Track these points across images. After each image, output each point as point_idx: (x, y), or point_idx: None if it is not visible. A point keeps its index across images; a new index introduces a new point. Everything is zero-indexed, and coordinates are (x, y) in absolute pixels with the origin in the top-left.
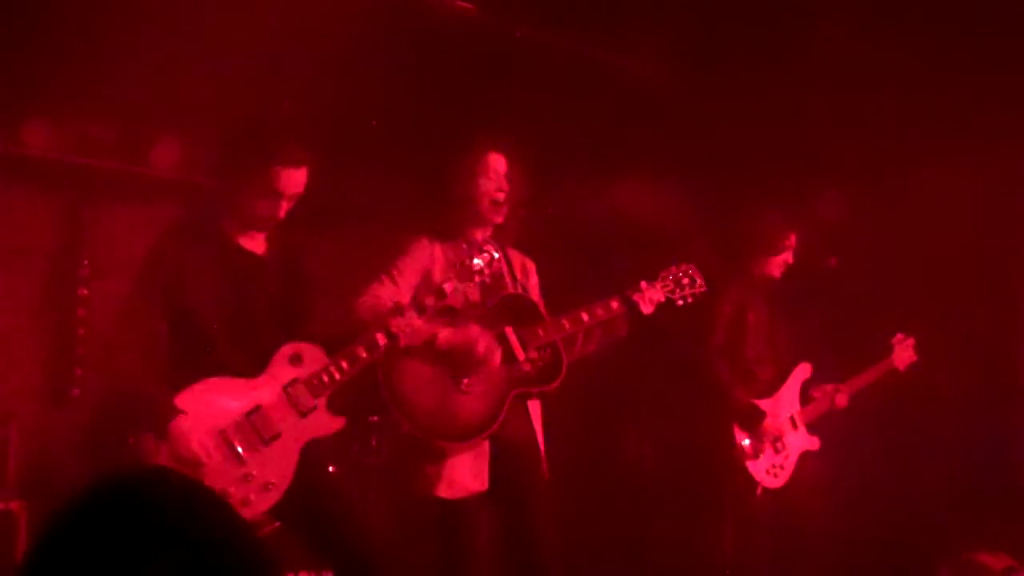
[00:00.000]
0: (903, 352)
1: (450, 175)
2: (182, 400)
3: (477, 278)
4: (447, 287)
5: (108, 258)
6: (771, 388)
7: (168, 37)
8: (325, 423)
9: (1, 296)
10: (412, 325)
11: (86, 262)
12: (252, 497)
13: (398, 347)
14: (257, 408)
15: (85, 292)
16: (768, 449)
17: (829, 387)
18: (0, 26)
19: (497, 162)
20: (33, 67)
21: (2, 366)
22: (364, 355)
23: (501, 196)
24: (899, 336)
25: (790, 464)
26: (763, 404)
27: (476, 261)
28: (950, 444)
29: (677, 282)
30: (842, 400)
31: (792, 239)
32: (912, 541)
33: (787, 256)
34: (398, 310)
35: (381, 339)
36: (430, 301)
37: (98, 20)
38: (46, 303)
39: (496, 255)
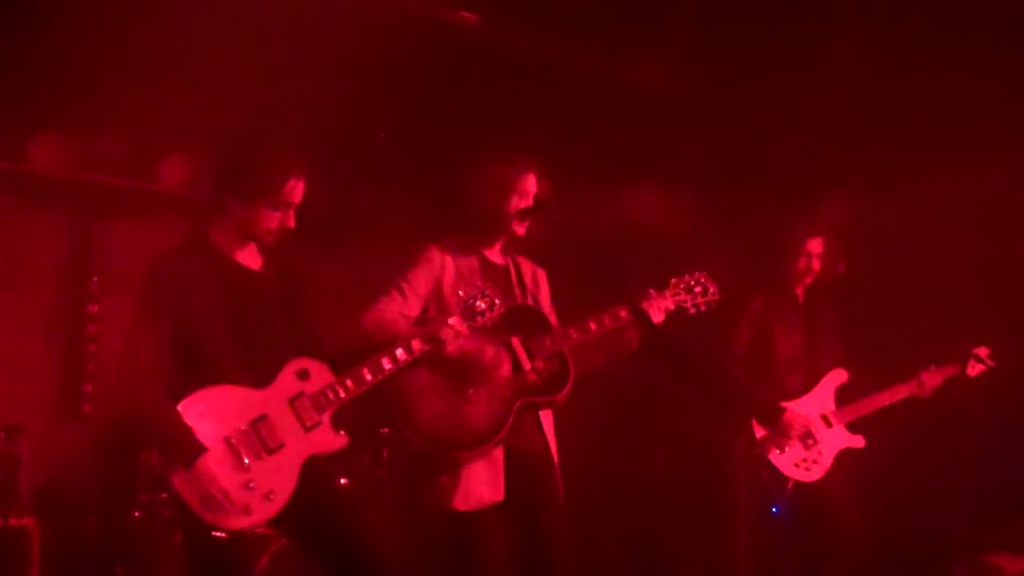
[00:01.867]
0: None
1: (478, 190)
2: (189, 404)
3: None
4: (453, 321)
5: (117, 274)
6: (801, 391)
7: (175, 52)
8: (328, 440)
9: (11, 313)
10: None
11: (95, 278)
12: (254, 505)
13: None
14: (263, 416)
15: (95, 308)
16: (796, 444)
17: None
18: (7, 44)
19: (531, 183)
20: (40, 84)
21: (13, 383)
22: (369, 377)
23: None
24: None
25: (825, 459)
26: (789, 404)
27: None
28: (971, 446)
29: (688, 289)
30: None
31: (817, 244)
32: (930, 541)
33: (814, 262)
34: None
35: (387, 363)
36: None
37: (104, 37)
38: (56, 319)
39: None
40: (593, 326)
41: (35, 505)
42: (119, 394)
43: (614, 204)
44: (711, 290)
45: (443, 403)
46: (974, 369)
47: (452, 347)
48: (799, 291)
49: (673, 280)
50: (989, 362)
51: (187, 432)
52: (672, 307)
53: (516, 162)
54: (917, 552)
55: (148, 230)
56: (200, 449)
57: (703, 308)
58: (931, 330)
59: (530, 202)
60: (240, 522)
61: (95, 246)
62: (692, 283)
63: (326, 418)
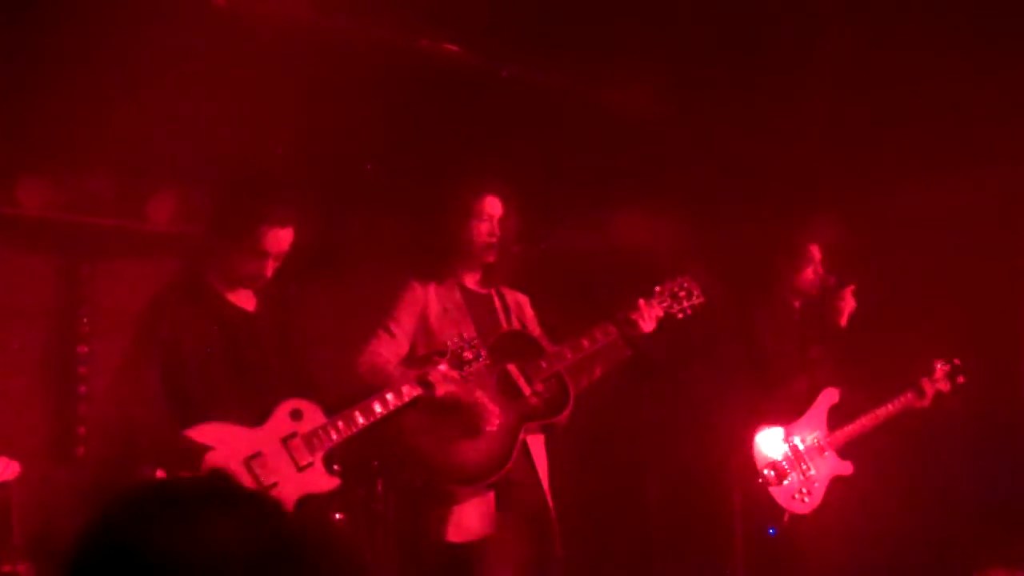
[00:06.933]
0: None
1: (443, 217)
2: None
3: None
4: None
5: (108, 315)
6: (797, 411)
7: (161, 92)
8: (321, 480)
9: (1, 356)
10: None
11: (85, 319)
12: None
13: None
14: (258, 454)
15: (85, 349)
16: (794, 474)
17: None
18: None
19: (492, 205)
20: (27, 126)
21: (4, 426)
22: (361, 420)
23: (494, 240)
24: (940, 362)
25: (819, 490)
26: (787, 428)
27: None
28: (961, 462)
29: (674, 296)
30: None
31: (817, 251)
32: (922, 558)
33: (813, 271)
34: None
35: (378, 407)
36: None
37: (90, 78)
38: (46, 362)
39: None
40: (586, 343)
41: (29, 551)
42: (113, 431)
43: (600, 228)
44: (695, 293)
45: (448, 438)
46: (942, 385)
47: (442, 391)
48: (797, 304)
49: (658, 288)
50: (944, 381)
51: (191, 443)
52: (662, 314)
53: (473, 186)
54: (909, 570)
55: (137, 270)
56: (204, 449)
57: (689, 312)
58: (919, 344)
59: (495, 225)
60: None
61: (84, 287)
62: (676, 289)
63: (319, 458)
